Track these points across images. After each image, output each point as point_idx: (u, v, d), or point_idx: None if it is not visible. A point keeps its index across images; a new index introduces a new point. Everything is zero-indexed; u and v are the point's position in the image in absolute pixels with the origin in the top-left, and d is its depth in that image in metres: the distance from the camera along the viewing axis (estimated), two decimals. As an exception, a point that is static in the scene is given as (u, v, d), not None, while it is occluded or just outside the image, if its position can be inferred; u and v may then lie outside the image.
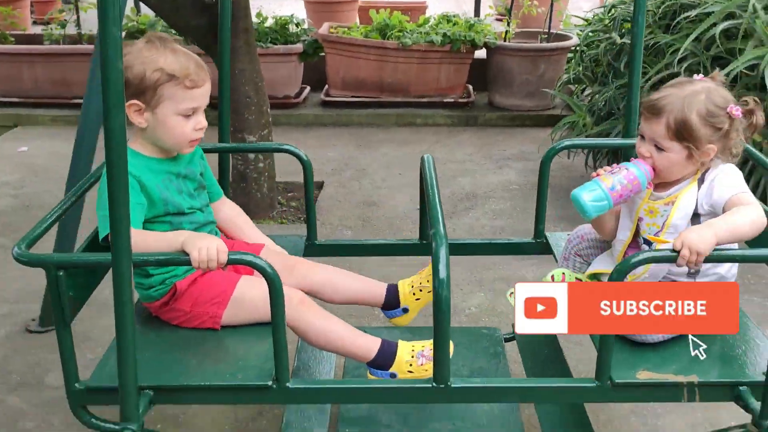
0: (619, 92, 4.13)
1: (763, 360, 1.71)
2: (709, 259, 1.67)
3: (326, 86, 6.43)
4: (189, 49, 2.00)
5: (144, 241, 1.77)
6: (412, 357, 2.00)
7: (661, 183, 1.91)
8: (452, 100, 6.29)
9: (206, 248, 1.69)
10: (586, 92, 4.64)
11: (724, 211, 1.80)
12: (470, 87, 6.45)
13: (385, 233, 4.12)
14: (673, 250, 1.67)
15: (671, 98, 1.84)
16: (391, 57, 6.14)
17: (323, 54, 6.30)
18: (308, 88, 6.57)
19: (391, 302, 2.16)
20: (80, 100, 3.85)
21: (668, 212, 1.88)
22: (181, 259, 1.72)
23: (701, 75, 1.93)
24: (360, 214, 4.36)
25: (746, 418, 1.76)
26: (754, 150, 2.27)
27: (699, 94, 1.84)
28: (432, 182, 2.03)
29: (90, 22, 6.30)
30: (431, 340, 1.99)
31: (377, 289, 2.18)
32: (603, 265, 2.03)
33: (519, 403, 2.17)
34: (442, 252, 1.66)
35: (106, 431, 1.82)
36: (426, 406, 2.16)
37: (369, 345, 1.99)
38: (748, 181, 3.70)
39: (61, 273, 1.70)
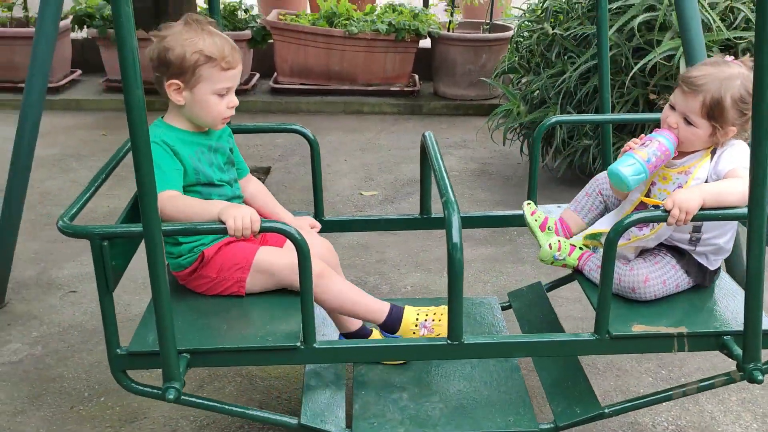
0: (551, 81, 4.33)
1: (742, 310, 1.90)
2: (695, 218, 1.86)
3: (275, 73, 6.53)
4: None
5: (190, 206, 1.93)
6: (416, 326, 2.21)
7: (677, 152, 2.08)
8: (398, 88, 6.45)
9: (241, 217, 1.84)
10: (522, 81, 4.83)
11: None
12: (416, 76, 6.61)
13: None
14: (665, 211, 1.86)
15: (710, 78, 1.99)
16: (338, 45, 6.27)
17: (272, 41, 6.39)
18: (257, 75, 6.65)
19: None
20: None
21: (680, 180, 2.04)
22: (216, 227, 1.87)
23: (732, 57, 2.10)
24: (304, 198, 4.49)
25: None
26: None
27: (735, 78, 1.99)
28: (436, 156, 2.18)
29: (38, 5, 6.29)
30: (436, 308, 2.23)
31: (379, 307, 2.23)
32: (605, 224, 2.21)
33: (518, 366, 2.33)
34: (455, 218, 1.84)
35: (148, 395, 1.98)
36: (434, 369, 2.31)
37: (379, 308, 2.19)
38: None
39: (105, 243, 1.83)
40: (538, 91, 4.47)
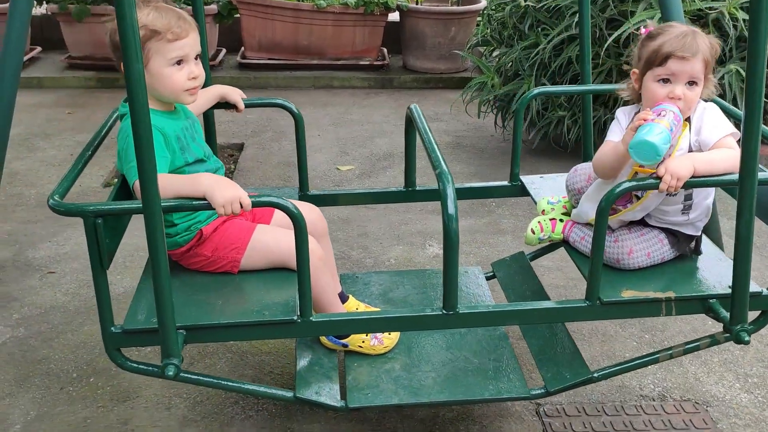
0: (524, 53, 4.35)
1: (728, 275, 1.96)
2: (686, 185, 1.90)
3: (242, 48, 6.44)
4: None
5: (171, 184, 1.86)
6: (367, 335, 2.23)
7: None
8: (368, 62, 6.42)
9: (230, 202, 1.81)
10: (495, 54, 4.85)
11: None
12: (385, 50, 6.58)
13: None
14: (656, 178, 1.89)
15: (697, 39, 2.01)
16: (306, 19, 6.20)
17: (238, 15, 6.29)
18: (224, 50, 6.56)
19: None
20: None
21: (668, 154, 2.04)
22: (205, 204, 1.83)
23: (647, 27, 2.13)
24: (280, 173, 4.46)
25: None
26: (719, 99, 2.52)
27: (699, 32, 2.05)
28: (425, 128, 2.17)
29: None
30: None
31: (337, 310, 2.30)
32: (591, 205, 2.19)
33: (507, 334, 2.36)
34: (449, 189, 1.84)
35: (144, 372, 1.96)
36: (424, 339, 2.34)
37: (335, 308, 2.21)
38: None
39: (99, 221, 1.79)
40: (511, 64, 4.49)
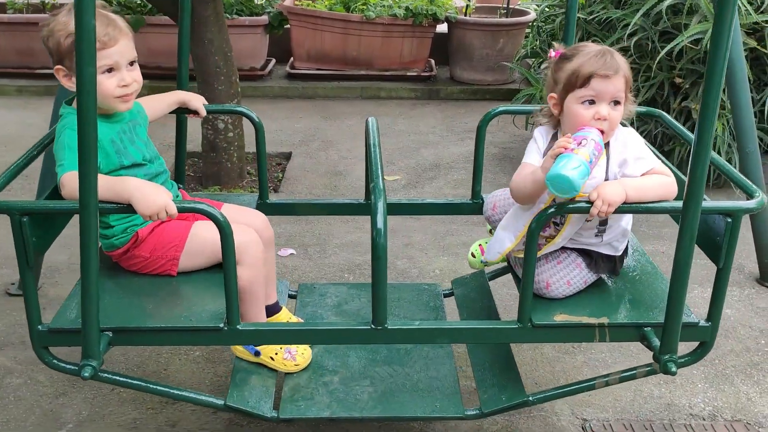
0: (575, 66, 4.32)
1: (664, 303, 1.91)
2: (618, 211, 1.85)
3: (291, 59, 6.52)
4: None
5: (100, 186, 1.80)
6: (281, 348, 2.22)
7: None
8: (415, 73, 6.44)
9: (157, 211, 1.82)
10: (543, 66, 4.82)
11: None
12: (432, 61, 6.60)
13: (352, 201, 4.28)
14: (588, 202, 1.85)
15: (615, 57, 1.97)
16: (355, 30, 6.25)
17: (288, 26, 6.38)
18: (274, 60, 6.65)
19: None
20: (46, 70, 3.87)
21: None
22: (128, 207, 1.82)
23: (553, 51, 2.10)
24: (327, 183, 4.50)
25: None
26: (671, 119, 2.50)
27: (613, 50, 2.00)
28: (374, 141, 2.18)
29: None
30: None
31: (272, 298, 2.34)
32: (509, 235, 2.12)
33: (452, 352, 2.35)
34: (380, 204, 1.84)
35: (66, 371, 1.99)
36: (368, 353, 2.33)
37: (259, 318, 2.20)
38: (661, 149, 3.97)
39: (25, 219, 1.83)
40: (560, 76, 4.45)
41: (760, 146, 3.67)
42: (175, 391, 2.08)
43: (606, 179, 1.97)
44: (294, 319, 2.40)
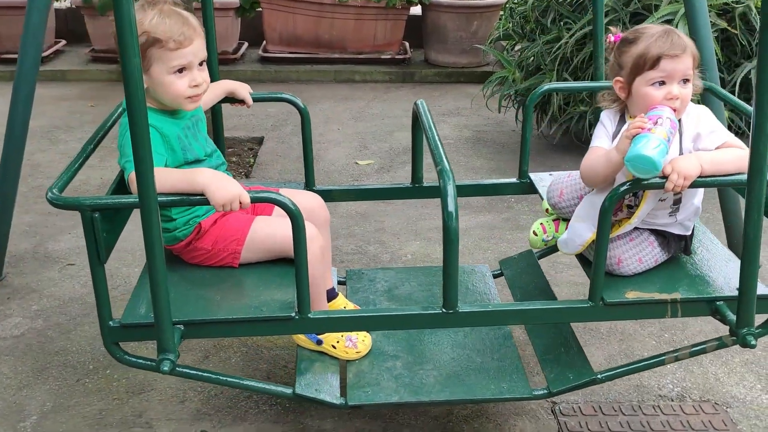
0: (546, 48, 4.30)
1: (736, 277, 1.90)
2: (693, 185, 1.84)
3: (264, 42, 6.44)
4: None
5: (167, 179, 1.82)
6: (342, 336, 2.20)
7: None
8: (389, 56, 6.39)
9: (230, 200, 1.80)
10: (517, 48, 4.80)
11: None
12: (407, 44, 6.55)
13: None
14: (662, 177, 1.83)
15: (681, 36, 1.97)
16: (328, 12, 6.19)
17: (260, 9, 6.29)
18: (246, 44, 6.57)
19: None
20: (13, 56, 3.80)
21: None
22: (204, 200, 1.81)
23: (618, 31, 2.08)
24: (299, 168, 4.46)
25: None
26: (724, 91, 2.48)
27: (677, 30, 2.00)
28: (430, 124, 2.14)
29: (18, -24, 6.14)
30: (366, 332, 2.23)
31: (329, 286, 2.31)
32: (590, 222, 2.10)
33: (511, 334, 2.32)
34: (450, 187, 1.81)
35: (142, 366, 1.97)
36: (427, 337, 2.31)
37: (321, 306, 2.18)
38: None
39: (96, 215, 1.80)
40: (533, 58, 4.44)
41: (730, 128, 3.68)
42: (245, 382, 2.06)
43: (680, 154, 1.95)
44: (350, 304, 2.37)
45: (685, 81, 1.96)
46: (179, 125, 2.09)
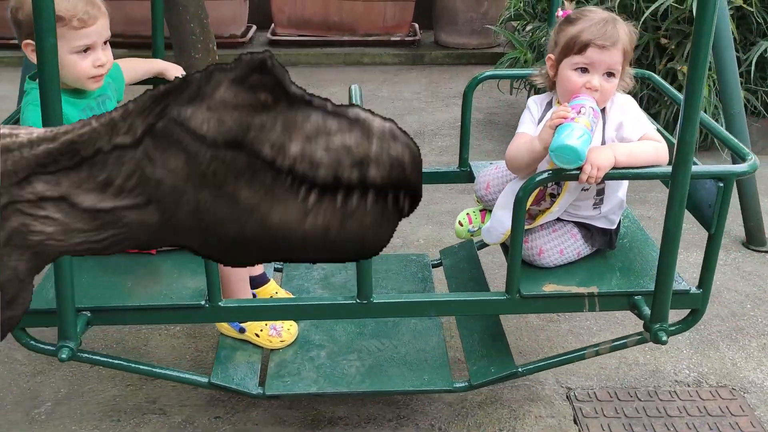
0: (559, 29, 4.24)
1: (655, 271, 1.87)
2: (607, 177, 1.81)
3: (272, 25, 6.39)
4: None
5: None
6: (266, 324, 2.18)
7: None
8: (399, 38, 6.33)
9: None
10: (528, 28, 4.74)
11: None
12: (416, 25, 6.49)
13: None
14: (577, 168, 1.80)
15: (618, 27, 1.93)
16: (337, -6, 6.13)
17: (268, -8, 6.24)
18: (254, 27, 6.52)
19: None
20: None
21: None
22: None
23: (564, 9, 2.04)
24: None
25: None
26: (661, 80, 2.44)
27: (619, 20, 1.95)
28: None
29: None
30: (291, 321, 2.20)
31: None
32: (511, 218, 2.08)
33: (440, 324, 2.32)
34: None
35: (44, 351, 1.96)
36: (355, 327, 2.29)
37: (243, 293, 2.15)
38: (648, 111, 3.93)
39: None
40: (545, 38, 4.37)
41: (747, 107, 3.62)
42: (158, 370, 2.05)
43: (603, 143, 1.93)
44: (282, 291, 2.35)
45: (610, 75, 1.93)
46: (79, 106, 2.03)
